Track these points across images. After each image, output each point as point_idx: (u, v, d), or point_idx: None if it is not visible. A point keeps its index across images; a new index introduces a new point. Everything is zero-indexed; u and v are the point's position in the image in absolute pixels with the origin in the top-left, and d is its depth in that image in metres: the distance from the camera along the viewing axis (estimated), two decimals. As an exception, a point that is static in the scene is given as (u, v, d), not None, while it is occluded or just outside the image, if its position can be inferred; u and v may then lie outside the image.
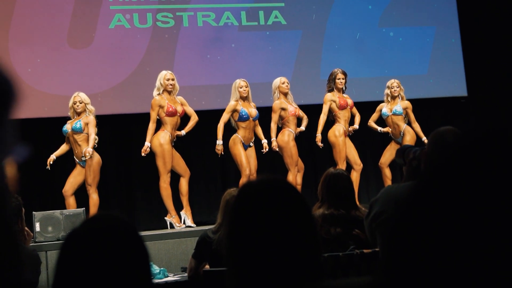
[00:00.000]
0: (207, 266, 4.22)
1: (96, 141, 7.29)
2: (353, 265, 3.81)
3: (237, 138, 7.46)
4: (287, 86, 7.70)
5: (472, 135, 0.79)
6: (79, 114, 7.25)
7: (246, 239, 1.35)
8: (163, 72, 7.34)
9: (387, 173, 8.32)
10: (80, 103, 7.22)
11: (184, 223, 7.28)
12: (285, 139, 7.62)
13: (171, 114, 7.26)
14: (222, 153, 7.39)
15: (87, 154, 7.09)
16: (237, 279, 1.35)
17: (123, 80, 8.68)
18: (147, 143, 7.17)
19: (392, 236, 0.82)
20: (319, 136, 7.88)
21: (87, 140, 7.22)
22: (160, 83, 7.27)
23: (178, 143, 7.75)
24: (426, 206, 0.77)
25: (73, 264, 1.35)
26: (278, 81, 7.73)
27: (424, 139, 8.14)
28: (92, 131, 7.22)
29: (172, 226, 7.22)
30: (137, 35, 8.81)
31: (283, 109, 7.65)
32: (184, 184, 7.39)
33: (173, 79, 7.29)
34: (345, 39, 9.59)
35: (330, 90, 8.06)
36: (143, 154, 7.19)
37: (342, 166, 7.74)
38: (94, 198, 7.08)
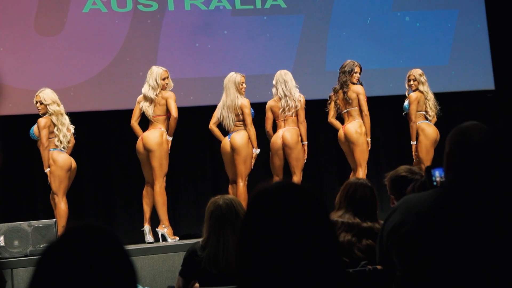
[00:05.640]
0: (197, 285, 4.23)
1: (59, 139, 7.19)
2: (364, 283, 3.82)
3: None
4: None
5: (503, 133, 0.79)
6: (44, 115, 7.17)
7: (260, 252, 1.36)
8: (158, 71, 7.29)
9: None
10: (41, 103, 7.12)
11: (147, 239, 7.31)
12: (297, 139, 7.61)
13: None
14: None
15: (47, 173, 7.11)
16: None
17: (99, 72, 8.67)
18: (170, 138, 7.29)
19: (414, 255, 0.81)
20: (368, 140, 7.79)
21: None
22: (156, 83, 7.25)
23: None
24: (452, 220, 0.76)
25: (50, 286, 1.35)
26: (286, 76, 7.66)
27: (414, 143, 7.93)
28: (43, 136, 7.01)
29: (164, 239, 7.21)
30: (115, 20, 8.80)
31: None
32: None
33: (167, 77, 7.34)
34: (354, 24, 9.59)
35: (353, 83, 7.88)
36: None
37: (363, 170, 7.66)
38: (61, 208, 7.04)
